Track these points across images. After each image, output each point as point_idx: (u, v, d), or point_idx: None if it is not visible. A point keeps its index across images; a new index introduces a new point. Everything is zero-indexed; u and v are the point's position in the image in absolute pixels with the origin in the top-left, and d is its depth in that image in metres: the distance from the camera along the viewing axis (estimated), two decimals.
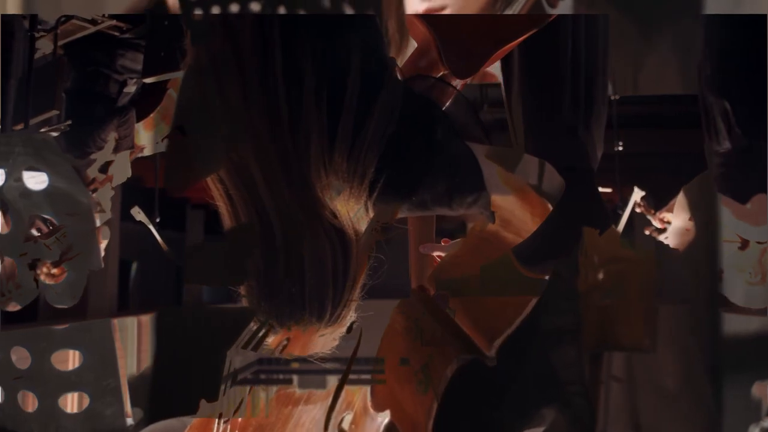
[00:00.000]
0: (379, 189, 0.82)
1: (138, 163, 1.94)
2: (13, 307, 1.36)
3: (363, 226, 0.83)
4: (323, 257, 0.81)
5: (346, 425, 0.91)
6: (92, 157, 1.66)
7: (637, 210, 2.15)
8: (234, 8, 0.78)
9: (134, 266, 5.07)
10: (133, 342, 3.18)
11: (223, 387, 0.97)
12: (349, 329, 0.88)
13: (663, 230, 1.92)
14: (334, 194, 0.79)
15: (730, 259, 1.27)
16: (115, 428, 1.31)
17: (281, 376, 0.97)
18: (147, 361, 3.24)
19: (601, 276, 1.24)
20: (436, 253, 1.13)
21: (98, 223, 1.75)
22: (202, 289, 4.70)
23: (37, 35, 1.49)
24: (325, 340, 0.88)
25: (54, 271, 1.40)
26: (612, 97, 2.55)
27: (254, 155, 0.77)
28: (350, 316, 0.87)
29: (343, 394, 0.93)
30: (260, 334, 0.93)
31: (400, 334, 0.98)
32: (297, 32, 0.75)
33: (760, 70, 1.24)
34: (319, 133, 0.76)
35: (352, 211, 0.81)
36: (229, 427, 0.94)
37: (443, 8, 0.89)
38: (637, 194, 2.28)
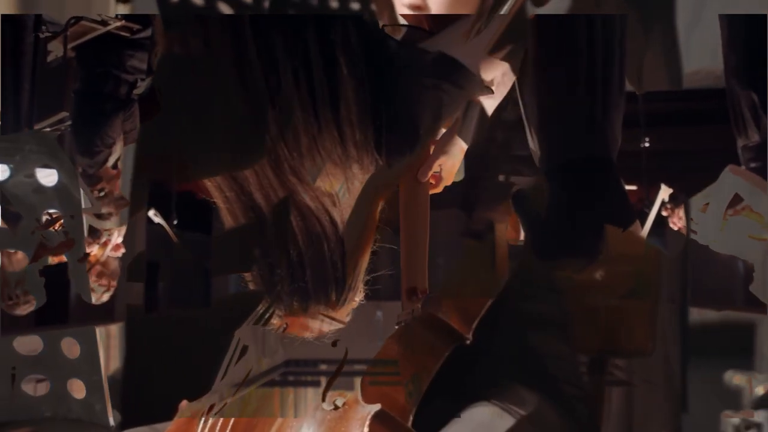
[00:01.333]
0: (385, 144, 0.81)
1: (155, 164, 1.93)
2: (22, 311, 1.36)
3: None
4: (320, 251, 0.80)
5: (339, 403, 0.91)
6: (103, 155, 1.66)
7: (664, 213, 2.10)
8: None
9: (162, 268, 5.12)
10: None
11: (225, 369, 0.99)
12: (334, 344, 0.89)
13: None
14: (316, 175, 0.78)
15: (766, 256, 1.22)
16: (104, 424, 1.35)
17: (309, 378, 0.95)
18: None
19: (616, 275, 1.20)
20: (434, 168, 1.08)
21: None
22: (229, 289, 4.72)
23: (42, 35, 1.49)
24: (321, 323, 0.89)
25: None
26: (637, 92, 2.50)
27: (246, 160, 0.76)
28: (359, 295, 0.88)
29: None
30: (266, 316, 0.96)
31: (393, 352, 0.97)
32: (270, 21, 0.73)
33: None
34: (305, 125, 0.74)
35: (338, 185, 0.80)
36: (218, 423, 0.93)
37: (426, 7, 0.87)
38: (665, 192, 2.20)
